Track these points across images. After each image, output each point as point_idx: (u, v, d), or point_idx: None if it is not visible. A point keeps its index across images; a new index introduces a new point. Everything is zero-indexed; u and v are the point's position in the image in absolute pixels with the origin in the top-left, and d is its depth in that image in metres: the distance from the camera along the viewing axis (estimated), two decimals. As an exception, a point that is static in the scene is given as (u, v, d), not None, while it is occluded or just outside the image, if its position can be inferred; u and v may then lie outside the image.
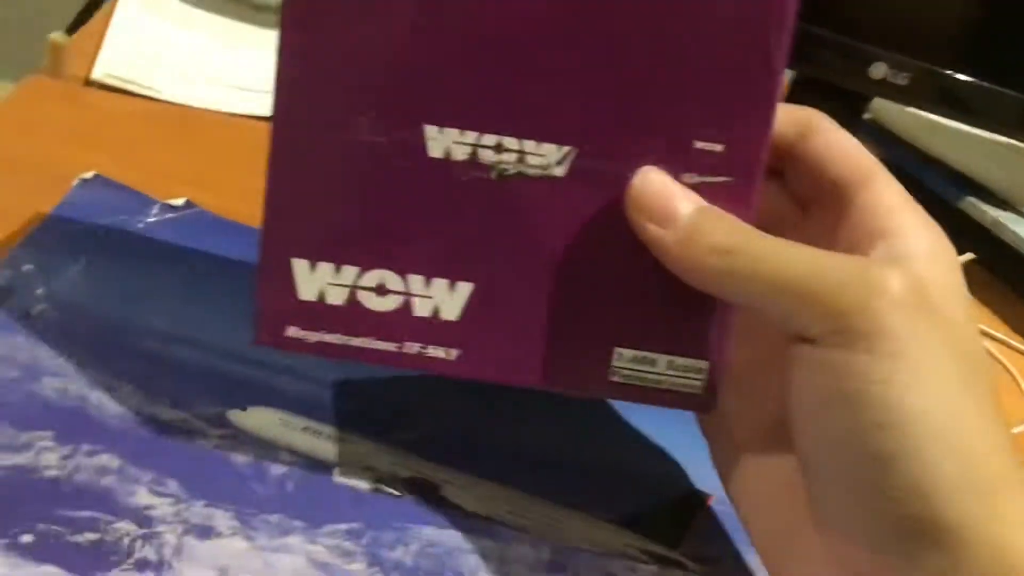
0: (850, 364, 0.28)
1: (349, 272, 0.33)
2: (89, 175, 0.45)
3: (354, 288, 0.33)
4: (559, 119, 0.31)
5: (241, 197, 0.48)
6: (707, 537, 0.39)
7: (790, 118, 0.34)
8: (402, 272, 0.33)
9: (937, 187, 0.64)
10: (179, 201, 0.46)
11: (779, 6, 0.30)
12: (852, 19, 0.62)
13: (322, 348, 0.33)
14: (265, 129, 0.52)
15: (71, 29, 0.59)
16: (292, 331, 0.33)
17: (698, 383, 0.34)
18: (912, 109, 0.68)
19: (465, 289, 0.33)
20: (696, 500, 0.40)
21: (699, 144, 0.31)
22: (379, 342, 0.33)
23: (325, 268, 0.33)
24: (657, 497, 0.40)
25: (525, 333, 0.33)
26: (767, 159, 0.32)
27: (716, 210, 0.31)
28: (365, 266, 0.33)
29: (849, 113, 0.63)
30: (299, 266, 0.32)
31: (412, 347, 0.34)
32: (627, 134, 0.31)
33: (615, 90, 0.30)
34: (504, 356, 0.34)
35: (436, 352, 0.34)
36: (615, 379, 0.34)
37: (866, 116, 0.69)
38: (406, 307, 0.33)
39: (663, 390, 0.34)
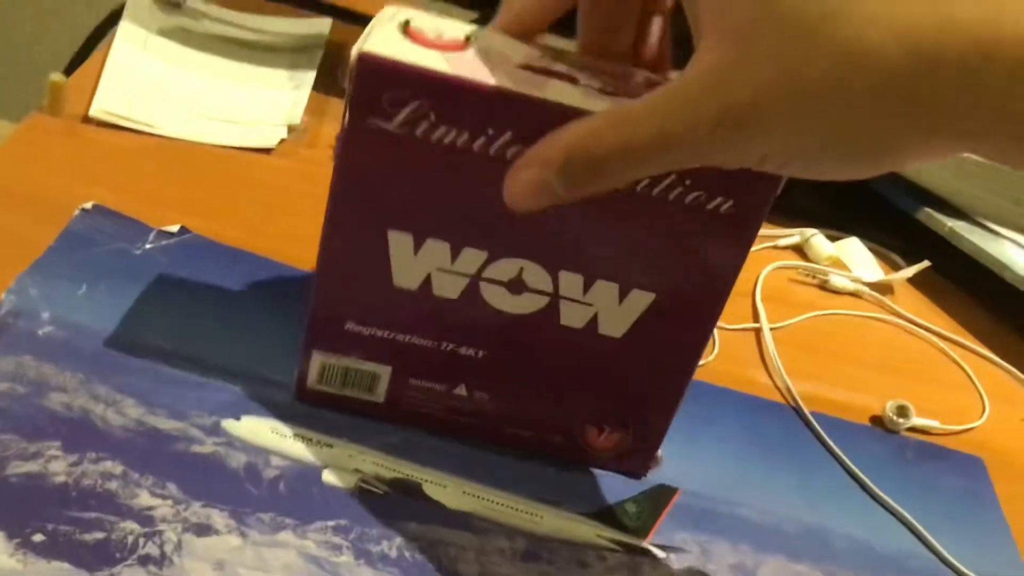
0: None
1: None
2: (89, 205, 0.48)
3: None
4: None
5: (232, 222, 0.51)
6: (675, 528, 0.41)
7: None
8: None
9: (896, 199, 0.66)
10: (174, 228, 0.49)
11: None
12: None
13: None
14: (252, 159, 0.56)
15: (68, 69, 0.62)
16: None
17: None
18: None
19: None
20: (665, 494, 0.43)
21: None
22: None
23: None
24: (628, 492, 0.42)
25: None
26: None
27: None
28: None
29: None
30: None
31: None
32: None
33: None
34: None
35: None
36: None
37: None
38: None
39: None
